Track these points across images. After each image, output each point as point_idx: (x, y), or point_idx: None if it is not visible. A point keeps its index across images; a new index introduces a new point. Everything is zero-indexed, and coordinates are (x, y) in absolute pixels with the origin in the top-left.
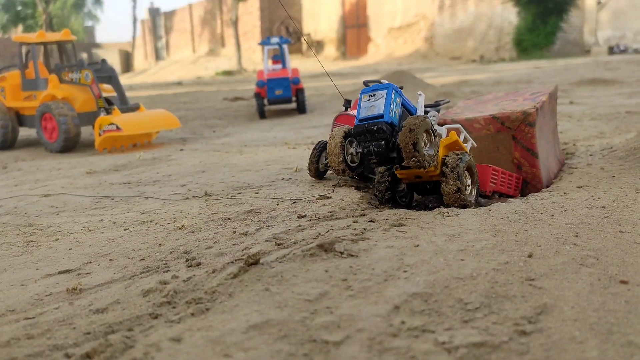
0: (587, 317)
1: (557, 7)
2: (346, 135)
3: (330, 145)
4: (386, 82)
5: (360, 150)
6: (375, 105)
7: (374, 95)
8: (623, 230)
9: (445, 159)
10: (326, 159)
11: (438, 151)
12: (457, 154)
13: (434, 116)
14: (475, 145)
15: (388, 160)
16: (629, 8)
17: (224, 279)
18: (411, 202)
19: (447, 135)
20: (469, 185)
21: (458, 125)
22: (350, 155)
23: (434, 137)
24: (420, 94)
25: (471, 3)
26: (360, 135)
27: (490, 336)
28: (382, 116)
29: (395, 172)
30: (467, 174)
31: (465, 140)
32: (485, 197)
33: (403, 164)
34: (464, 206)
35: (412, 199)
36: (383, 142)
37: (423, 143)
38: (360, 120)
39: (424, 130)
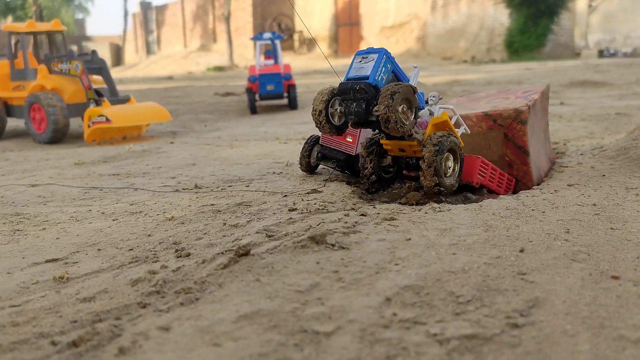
0: (579, 311)
1: (549, 9)
2: (332, 93)
3: (316, 100)
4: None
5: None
6: (364, 67)
7: (366, 57)
8: (614, 227)
9: (426, 143)
10: (318, 153)
11: (415, 122)
12: (442, 135)
13: (433, 96)
14: (469, 132)
15: (367, 123)
16: (620, 12)
17: (213, 270)
18: (397, 176)
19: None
20: (449, 168)
21: (452, 107)
22: (334, 112)
23: (415, 109)
24: (416, 67)
25: (463, 4)
26: (344, 93)
27: (482, 328)
28: (367, 77)
29: (381, 141)
30: (451, 157)
31: (458, 125)
32: (472, 190)
33: (382, 130)
34: (442, 191)
35: (399, 172)
36: (364, 103)
37: (401, 110)
38: (347, 79)
39: (403, 98)
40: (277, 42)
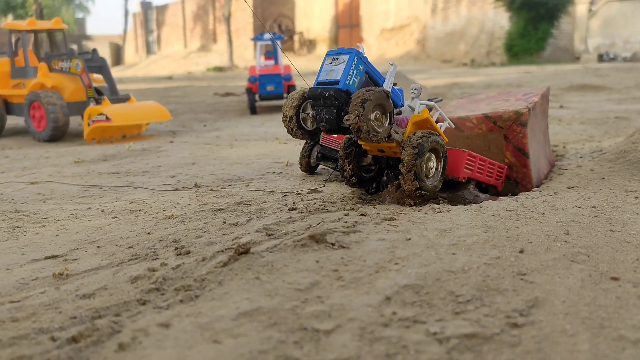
0: (579, 311)
1: (549, 13)
2: (304, 97)
3: (286, 105)
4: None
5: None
6: (334, 70)
7: (337, 59)
8: (613, 230)
9: (405, 145)
10: (318, 153)
11: (391, 127)
12: (422, 135)
13: (415, 89)
14: (453, 126)
15: (339, 130)
16: (620, 16)
17: (213, 267)
18: (379, 175)
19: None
20: (432, 169)
21: (433, 103)
22: (306, 116)
23: (390, 115)
24: (393, 64)
25: (463, 7)
26: (314, 98)
27: (482, 328)
28: (337, 82)
29: (359, 142)
30: (433, 157)
31: (440, 121)
32: (459, 184)
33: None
34: (423, 194)
35: (380, 171)
36: (335, 110)
37: (374, 117)
38: (317, 84)
39: (376, 104)
40: (278, 42)
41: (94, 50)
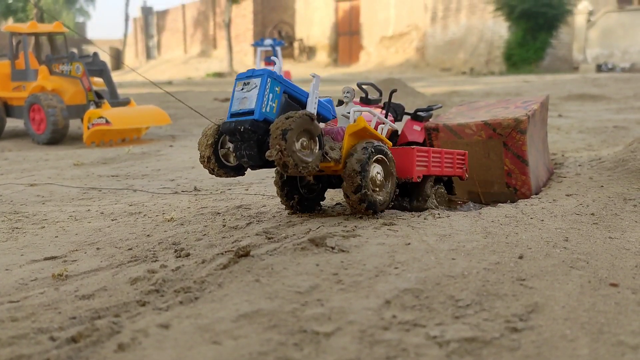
0: (578, 317)
1: (548, 23)
2: (219, 131)
3: (201, 144)
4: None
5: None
6: (247, 97)
7: (248, 83)
8: (612, 237)
9: (346, 166)
10: None
11: (322, 151)
12: (362, 149)
13: (347, 92)
14: (395, 127)
15: (265, 165)
16: (618, 27)
17: (213, 270)
18: (323, 192)
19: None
20: (380, 182)
21: (366, 110)
22: (227, 152)
23: (319, 139)
24: (315, 76)
25: (463, 16)
26: (229, 134)
27: (482, 332)
28: (253, 112)
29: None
30: (380, 168)
31: (379, 123)
32: (413, 185)
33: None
34: (374, 212)
35: (324, 189)
36: (255, 144)
37: (300, 146)
38: (231, 115)
39: (301, 131)
40: (278, 48)
41: (95, 54)
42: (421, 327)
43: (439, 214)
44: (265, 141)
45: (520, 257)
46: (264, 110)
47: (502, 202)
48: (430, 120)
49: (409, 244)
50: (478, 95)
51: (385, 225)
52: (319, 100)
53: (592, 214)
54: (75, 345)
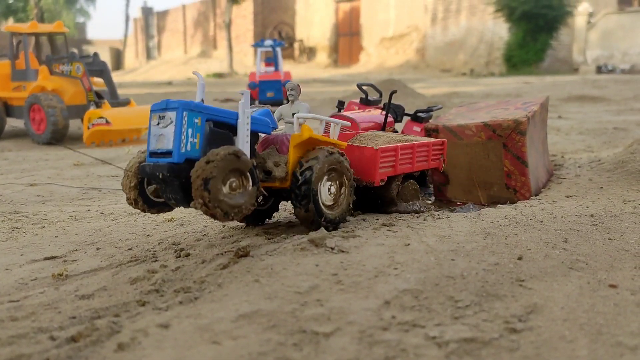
0: (577, 318)
1: (548, 24)
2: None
3: (124, 186)
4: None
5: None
6: (164, 135)
7: (163, 117)
8: (612, 238)
9: (291, 184)
10: None
11: (258, 187)
12: (307, 162)
13: (292, 89)
14: (349, 124)
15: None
16: (618, 29)
17: (213, 270)
18: (276, 203)
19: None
20: (333, 195)
21: (304, 119)
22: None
23: (251, 174)
24: (244, 92)
25: (463, 17)
26: (150, 177)
27: (481, 332)
28: (171, 152)
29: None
30: (334, 179)
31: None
32: (375, 189)
33: None
34: (327, 230)
35: (277, 202)
36: (179, 187)
37: (229, 188)
38: (150, 154)
39: (228, 172)
40: (278, 49)
41: (95, 54)
42: (420, 327)
43: (438, 215)
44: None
45: (520, 258)
46: (183, 150)
47: (502, 204)
48: (430, 121)
49: (409, 244)
50: (478, 97)
51: (385, 226)
52: (253, 116)
53: (592, 216)
54: (75, 345)
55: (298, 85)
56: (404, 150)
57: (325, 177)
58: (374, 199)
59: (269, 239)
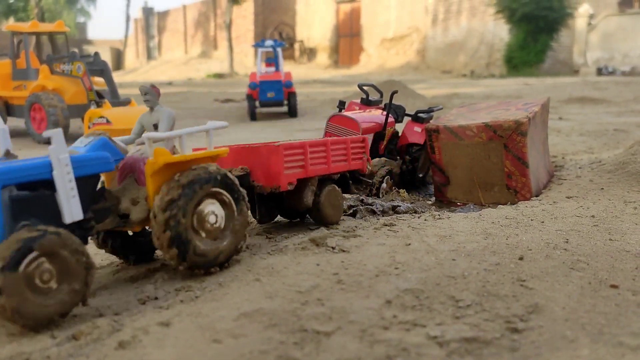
0: (578, 318)
1: (548, 26)
2: None
3: None
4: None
5: None
6: None
7: None
8: (612, 239)
9: (152, 223)
10: None
11: (120, 219)
12: (170, 192)
13: (146, 93)
14: (227, 125)
15: None
16: (619, 31)
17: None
18: (151, 249)
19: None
20: (216, 221)
21: (164, 136)
22: None
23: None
24: (52, 135)
25: (464, 18)
26: None
27: (482, 332)
28: None
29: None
30: (214, 201)
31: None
32: (286, 196)
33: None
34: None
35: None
36: None
37: (40, 280)
38: None
39: (37, 268)
40: (279, 49)
41: (96, 54)
42: (421, 327)
43: (439, 215)
44: None
45: (521, 259)
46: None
47: (503, 204)
48: (430, 121)
49: (410, 244)
50: (478, 98)
51: (386, 225)
52: (79, 157)
53: (593, 216)
54: (76, 343)
55: (153, 87)
56: (315, 148)
57: (205, 201)
58: (287, 210)
59: (269, 238)
